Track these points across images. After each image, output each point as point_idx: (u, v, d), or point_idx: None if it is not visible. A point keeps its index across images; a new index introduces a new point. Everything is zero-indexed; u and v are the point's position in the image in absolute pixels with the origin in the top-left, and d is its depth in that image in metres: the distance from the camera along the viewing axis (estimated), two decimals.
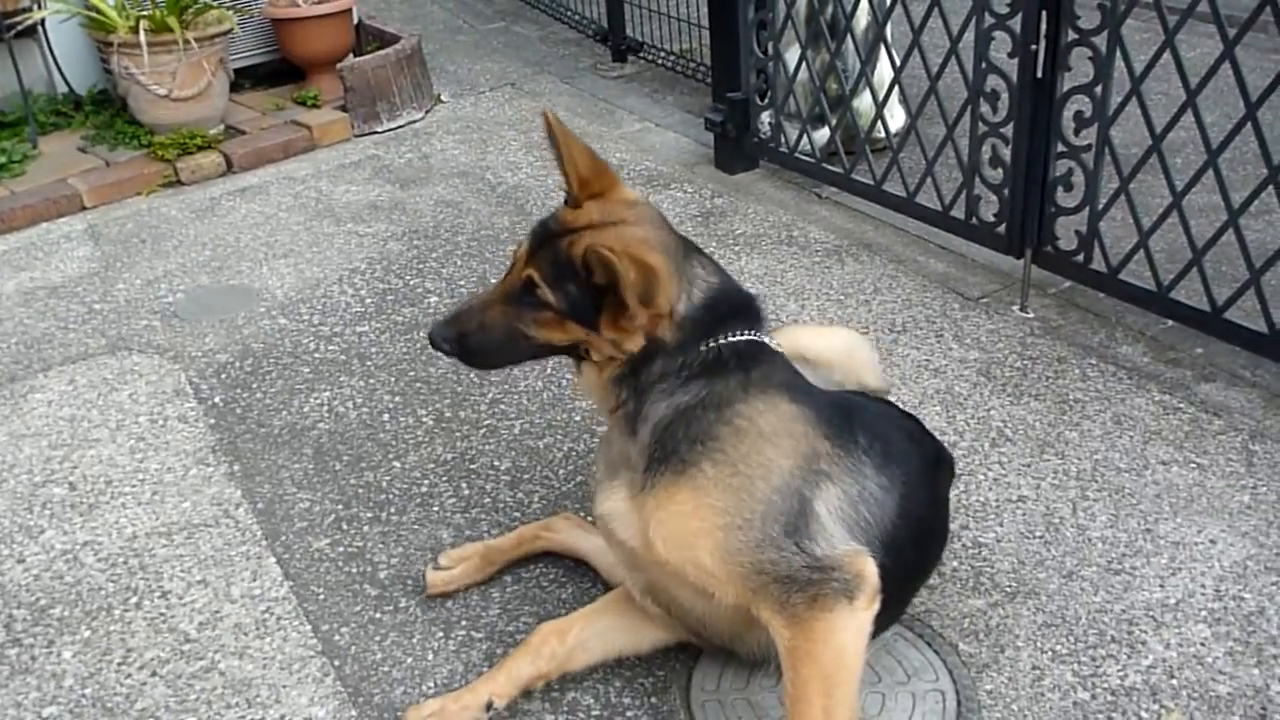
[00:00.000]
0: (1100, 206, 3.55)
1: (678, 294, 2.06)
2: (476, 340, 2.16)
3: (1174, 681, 2.35)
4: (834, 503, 2.03)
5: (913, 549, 2.24)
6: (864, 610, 1.99)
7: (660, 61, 6.38)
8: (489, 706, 2.28)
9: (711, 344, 2.07)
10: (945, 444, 3.06)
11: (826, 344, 2.52)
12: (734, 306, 2.16)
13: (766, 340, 2.17)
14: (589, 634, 2.37)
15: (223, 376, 3.71)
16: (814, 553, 1.97)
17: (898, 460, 2.19)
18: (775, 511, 1.97)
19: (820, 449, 2.05)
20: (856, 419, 2.17)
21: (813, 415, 2.08)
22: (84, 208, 5.07)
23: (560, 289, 2.05)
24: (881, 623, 2.11)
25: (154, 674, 2.55)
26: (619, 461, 2.18)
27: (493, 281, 4.12)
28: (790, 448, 2.02)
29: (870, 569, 2.01)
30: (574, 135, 2.22)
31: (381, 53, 5.88)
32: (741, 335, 2.11)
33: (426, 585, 2.70)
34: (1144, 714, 2.28)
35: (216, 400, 3.58)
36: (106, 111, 5.81)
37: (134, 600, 2.77)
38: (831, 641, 1.96)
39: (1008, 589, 2.61)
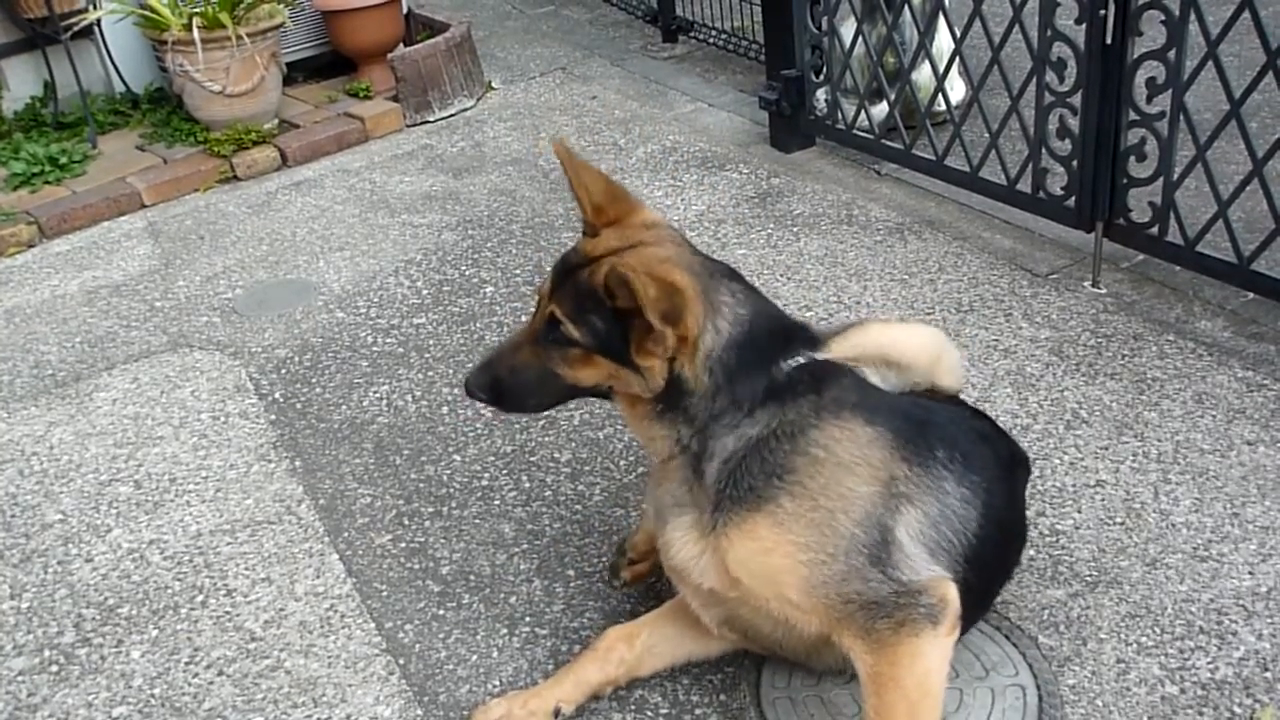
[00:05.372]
0: (1175, 176, 3.41)
1: (704, 318, 1.95)
2: (510, 384, 2.09)
3: (1268, 674, 2.24)
4: (914, 526, 1.96)
5: (995, 556, 2.18)
6: (947, 636, 1.94)
7: (711, 40, 6.28)
8: (556, 713, 2.24)
9: (774, 370, 1.99)
10: (1018, 432, 2.98)
11: (909, 344, 2.39)
12: (783, 330, 2.06)
13: (827, 358, 2.07)
14: (657, 639, 2.32)
15: (282, 372, 3.71)
16: (900, 579, 1.91)
17: (977, 469, 2.10)
18: (859, 543, 1.91)
19: (898, 472, 1.97)
20: (933, 432, 2.09)
21: (890, 437, 1.99)
22: (143, 205, 5.12)
23: (584, 323, 1.97)
24: (963, 627, 2.04)
25: (221, 673, 2.56)
26: (674, 504, 2.08)
27: (547, 268, 4.10)
28: (869, 475, 1.95)
29: (953, 594, 1.96)
30: (586, 163, 2.10)
31: (431, 41, 5.85)
32: (801, 358, 2.02)
33: (620, 578, 2.58)
34: (1237, 709, 2.18)
35: (277, 396, 3.58)
36: (163, 109, 5.86)
37: (200, 599, 2.78)
38: (916, 667, 1.91)
39: (1088, 578, 2.51)
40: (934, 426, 2.11)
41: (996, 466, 2.20)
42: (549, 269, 2.07)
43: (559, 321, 2.00)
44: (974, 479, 2.08)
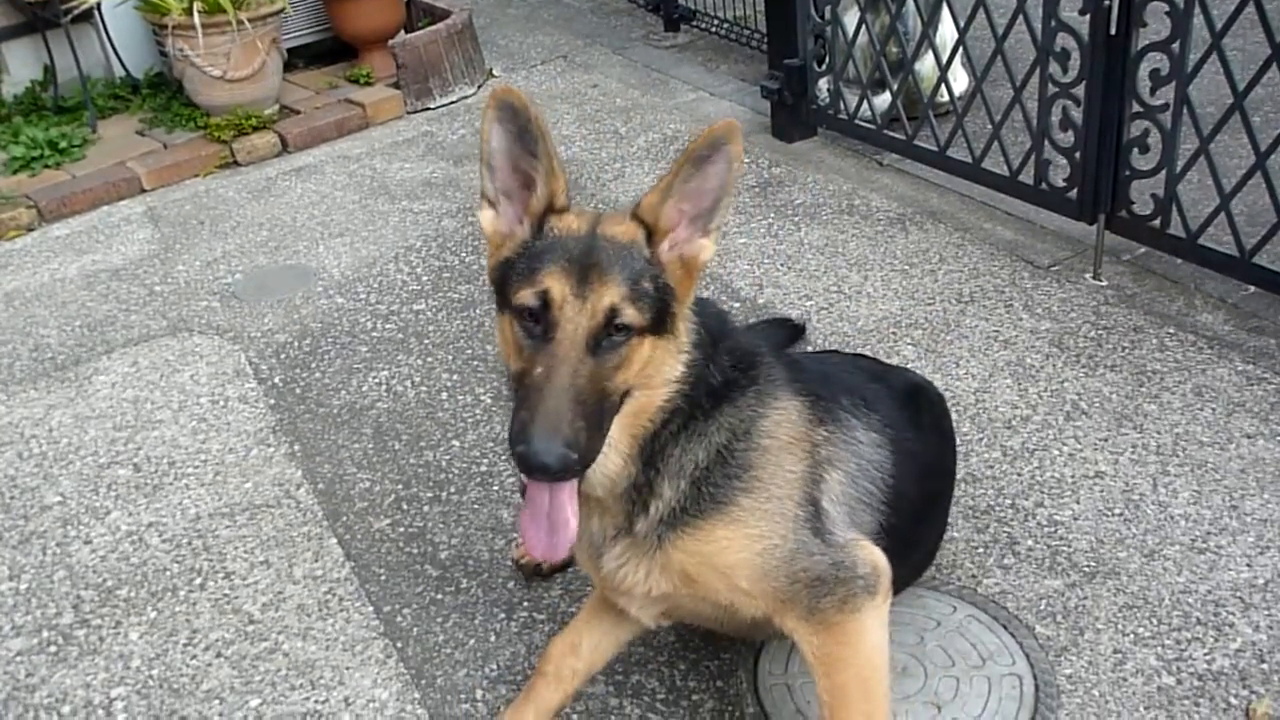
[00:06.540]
0: (1178, 169, 3.41)
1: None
2: (587, 431, 1.66)
3: (1264, 666, 2.25)
4: (836, 489, 1.98)
5: (917, 495, 2.16)
6: (885, 603, 1.95)
7: (713, 29, 6.27)
8: None
9: (720, 367, 1.90)
10: (1017, 423, 2.98)
11: None
12: (716, 318, 1.97)
13: (741, 339, 2.02)
14: (598, 635, 2.24)
15: (282, 357, 3.71)
16: (837, 543, 1.92)
17: (877, 407, 2.12)
18: (801, 520, 1.91)
19: (817, 437, 1.97)
20: (835, 383, 2.11)
21: (808, 402, 1.99)
22: (143, 190, 5.11)
23: (641, 296, 1.71)
24: (903, 578, 2.08)
25: (219, 655, 2.56)
26: (611, 534, 1.96)
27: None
28: (801, 449, 1.95)
29: (881, 559, 1.96)
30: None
31: (433, 28, 5.84)
32: (731, 344, 1.95)
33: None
34: (1233, 700, 2.19)
35: (276, 380, 3.58)
36: (163, 94, 5.85)
37: (198, 581, 2.78)
38: (863, 644, 1.91)
39: (1086, 569, 2.52)
40: (833, 377, 2.13)
41: (892, 399, 2.21)
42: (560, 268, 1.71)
43: (617, 311, 1.69)
44: (876, 418, 2.09)
